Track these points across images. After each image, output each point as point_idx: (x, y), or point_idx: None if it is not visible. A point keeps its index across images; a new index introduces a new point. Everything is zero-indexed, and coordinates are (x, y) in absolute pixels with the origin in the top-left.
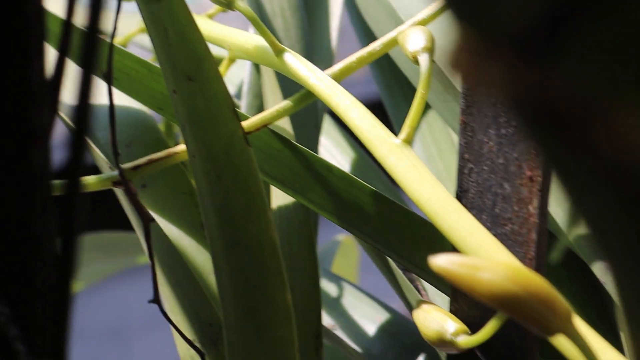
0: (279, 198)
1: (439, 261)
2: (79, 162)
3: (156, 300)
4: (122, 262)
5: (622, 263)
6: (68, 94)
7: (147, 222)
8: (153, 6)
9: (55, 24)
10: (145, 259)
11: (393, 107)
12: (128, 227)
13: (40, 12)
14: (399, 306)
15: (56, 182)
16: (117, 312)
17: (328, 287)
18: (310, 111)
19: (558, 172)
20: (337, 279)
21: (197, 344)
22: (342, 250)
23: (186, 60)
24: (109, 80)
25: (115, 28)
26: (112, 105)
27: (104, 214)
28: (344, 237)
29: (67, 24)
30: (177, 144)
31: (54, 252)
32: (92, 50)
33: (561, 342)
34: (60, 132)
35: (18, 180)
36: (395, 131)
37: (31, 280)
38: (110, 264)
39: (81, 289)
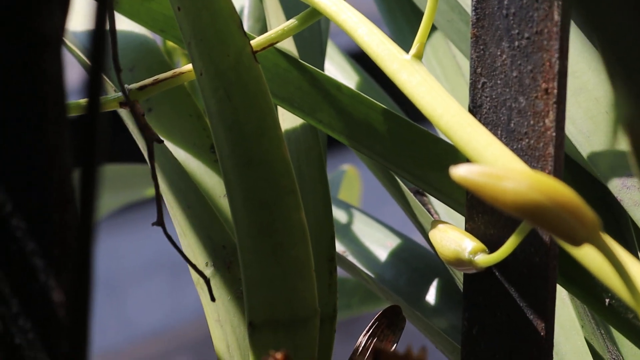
0: (286, 122)
1: (461, 171)
2: (98, 86)
3: (159, 222)
4: (129, 196)
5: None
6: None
7: (151, 142)
8: None
9: None
10: (152, 191)
11: (393, 26)
12: (133, 160)
13: None
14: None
15: (74, 102)
16: (111, 261)
17: (337, 214)
18: (314, 33)
19: None
20: (346, 206)
21: (211, 267)
22: (347, 180)
23: None
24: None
25: None
26: (113, 24)
27: (109, 146)
28: (349, 167)
29: None
30: None
31: (70, 162)
32: None
33: (585, 255)
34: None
35: (31, 88)
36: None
37: (48, 191)
38: (116, 197)
39: None
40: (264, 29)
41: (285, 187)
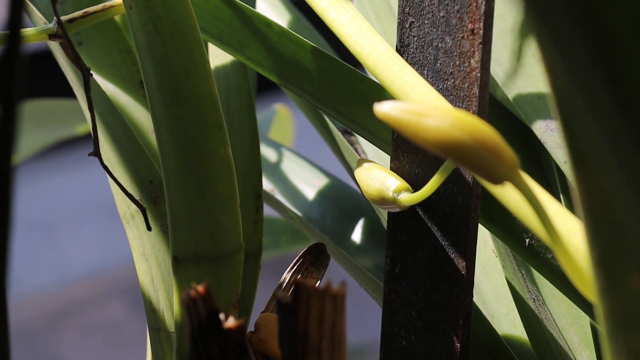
0: (216, 59)
1: (384, 107)
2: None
3: (96, 152)
4: (59, 132)
5: (574, 58)
6: None
7: (87, 74)
8: None
9: None
10: (84, 128)
11: None
12: (62, 95)
13: None
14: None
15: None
16: (47, 202)
17: (267, 152)
18: None
19: None
20: (275, 145)
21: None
22: (278, 120)
23: None
24: None
25: None
26: None
27: (37, 80)
28: (280, 107)
29: None
30: None
31: None
32: None
33: (505, 195)
34: None
35: None
36: None
37: None
38: (45, 134)
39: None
40: None
41: (212, 122)
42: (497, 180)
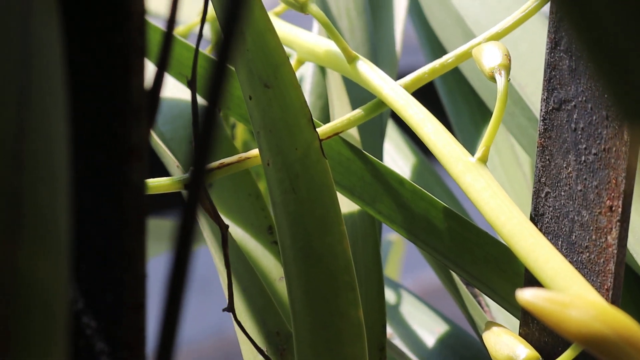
0: (344, 205)
1: (526, 295)
2: (202, 174)
3: (231, 309)
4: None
5: None
6: None
7: (224, 230)
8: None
9: (155, 35)
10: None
11: (453, 109)
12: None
13: (142, 27)
14: (450, 311)
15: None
16: None
17: (386, 293)
18: (376, 117)
19: None
20: (394, 285)
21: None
22: (393, 252)
23: (263, 67)
24: (193, 88)
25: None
26: (195, 114)
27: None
28: (396, 238)
29: (166, 39)
30: (232, 134)
31: (145, 267)
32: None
33: None
34: None
35: (112, 196)
36: (454, 132)
37: (121, 295)
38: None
39: None
40: (325, 106)
41: (345, 284)
42: None
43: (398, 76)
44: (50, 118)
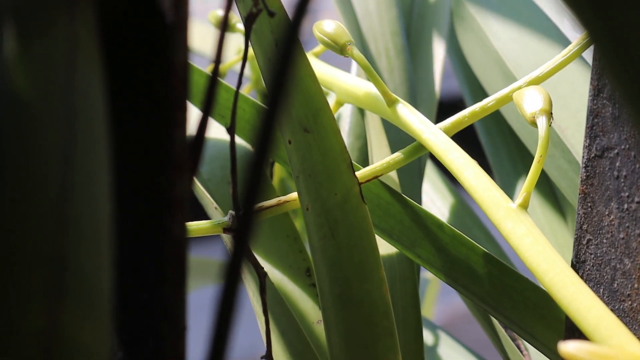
0: (381, 246)
1: (569, 348)
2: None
3: (269, 357)
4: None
5: None
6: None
7: (262, 278)
8: (270, 53)
9: (198, 78)
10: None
11: (491, 148)
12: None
13: (185, 79)
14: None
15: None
16: None
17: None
18: (415, 159)
19: None
20: (432, 326)
21: None
22: (430, 290)
23: (303, 111)
24: (232, 133)
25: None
26: (234, 158)
27: None
28: (432, 276)
29: (209, 95)
30: (272, 173)
31: (185, 320)
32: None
33: None
34: None
35: (153, 248)
36: (492, 172)
37: (161, 349)
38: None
39: None
40: (364, 147)
41: (384, 330)
42: None
43: None
44: (94, 177)
